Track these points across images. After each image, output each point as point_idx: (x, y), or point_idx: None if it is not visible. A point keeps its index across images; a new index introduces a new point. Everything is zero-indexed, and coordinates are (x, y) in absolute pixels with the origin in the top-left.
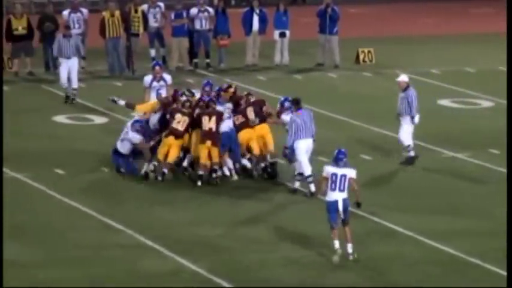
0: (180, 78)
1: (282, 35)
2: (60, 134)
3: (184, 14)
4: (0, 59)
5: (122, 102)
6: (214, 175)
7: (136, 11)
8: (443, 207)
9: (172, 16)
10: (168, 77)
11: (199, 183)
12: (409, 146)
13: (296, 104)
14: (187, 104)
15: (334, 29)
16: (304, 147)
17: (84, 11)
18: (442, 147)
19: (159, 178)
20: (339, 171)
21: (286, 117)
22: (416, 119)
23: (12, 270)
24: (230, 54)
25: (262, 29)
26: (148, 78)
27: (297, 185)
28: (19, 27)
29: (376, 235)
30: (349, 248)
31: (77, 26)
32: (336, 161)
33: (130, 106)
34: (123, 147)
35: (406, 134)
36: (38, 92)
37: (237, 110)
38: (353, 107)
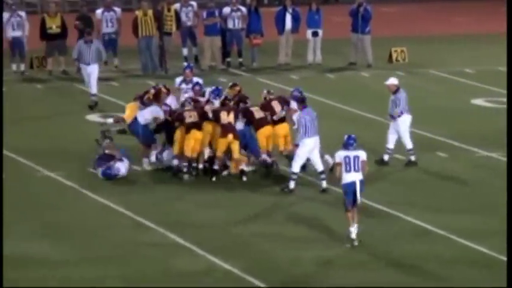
0: (212, 77)
1: (315, 34)
2: (93, 133)
3: (217, 13)
4: (1, 59)
5: (110, 121)
6: (225, 172)
7: (169, 10)
8: (477, 206)
9: (205, 15)
10: (199, 81)
11: (214, 178)
12: (410, 149)
13: (301, 102)
14: (188, 101)
15: (367, 28)
16: (311, 145)
17: (117, 10)
18: (476, 147)
19: (193, 173)
20: (351, 153)
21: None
22: (408, 120)
23: (45, 269)
24: (263, 53)
25: (295, 28)
26: (178, 79)
27: (292, 185)
28: (53, 25)
29: (409, 234)
30: (355, 229)
31: (110, 25)
32: (346, 146)
33: (120, 119)
34: None
35: (405, 136)
36: (72, 90)
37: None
38: (385, 106)
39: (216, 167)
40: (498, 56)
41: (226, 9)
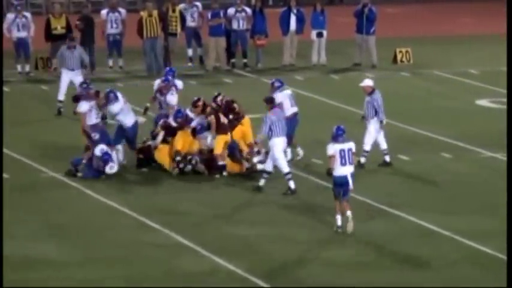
0: (217, 78)
1: (319, 34)
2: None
3: (222, 14)
4: (0, 59)
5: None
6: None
7: (173, 11)
8: (481, 207)
9: (210, 16)
10: (179, 83)
11: (218, 175)
12: (384, 149)
13: (270, 102)
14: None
15: (371, 29)
16: (281, 144)
17: (122, 10)
18: (480, 147)
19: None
20: (345, 146)
21: (276, 95)
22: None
23: (48, 270)
24: (267, 54)
25: (299, 29)
26: (157, 81)
27: (262, 182)
28: (58, 26)
29: (413, 235)
30: (343, 219)
31: (114, 25)
32: (336, 138)
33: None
34: None
35: (371, 138)
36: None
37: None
38: (390, 107)
39: (221, 163)
40: (503, 57)
41: (231, 10)
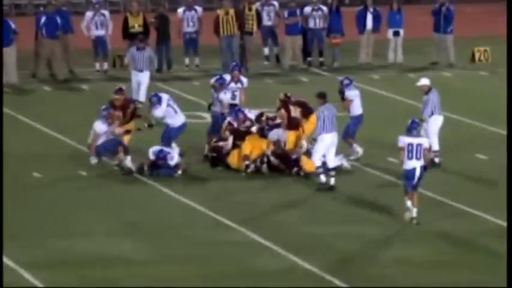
0: (293, 76)
1: (396, 33)
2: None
3: (298, 12)
4: (1, 59)
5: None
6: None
7: (250, 9)
8: None
9: (286, 14)
10: (245, 80)
11: (295, 174)
12: (436, 151)
13: (322, 97)
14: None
15: (449, 28)
16: (329, 140)
17: (199, 9)
18: None
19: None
20: (415, 140)
21: (348, 92)
22: (440, 121)
23: (127, 268)
24: (344, 52)
25: (375, 28)
26: (227, 78)
27: (323, 178)
28: (135, 24)
29: (492, 234)
30: (414, 212)
31: (191, 24)
32: (410, 130)
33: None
34: None
35: (434, 136)
36: (154, 90)
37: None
38: (468, 106)
39: (295, 156)
40: None
41: (308, 9)
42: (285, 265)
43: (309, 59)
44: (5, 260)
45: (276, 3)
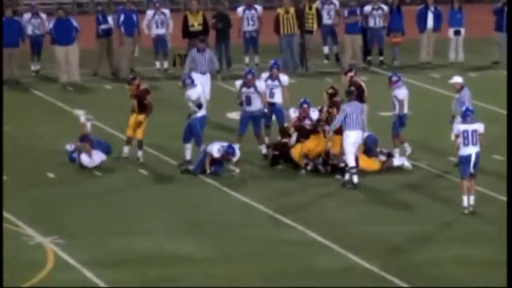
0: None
1: (457, 32)
2: (233, 130)
3: (358, 11)
4: (0, 59)
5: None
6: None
7: (310, 8)
8: None
9: (346, 13)
10: (284, 78)
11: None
12: None
13: (350, 95)
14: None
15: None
16: (354, 137)
17: (259, 8)
18: None
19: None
20: (469, 127)
21: (399, 91)
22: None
23: (187, 266)
24: (404, 51)
25: (436, 27)
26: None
27: (355, 179)
28: (195, 23)
29: None
30: (472, 200)
31: (251, 23)
32: (464, 118)
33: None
34: None
35: None
36: (213, 88)
37: None
38: None
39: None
40: None
41: (368, 8)
42: (345, 264)
43: (369, 58)
44: (67, 258)
45: (336, 2)
